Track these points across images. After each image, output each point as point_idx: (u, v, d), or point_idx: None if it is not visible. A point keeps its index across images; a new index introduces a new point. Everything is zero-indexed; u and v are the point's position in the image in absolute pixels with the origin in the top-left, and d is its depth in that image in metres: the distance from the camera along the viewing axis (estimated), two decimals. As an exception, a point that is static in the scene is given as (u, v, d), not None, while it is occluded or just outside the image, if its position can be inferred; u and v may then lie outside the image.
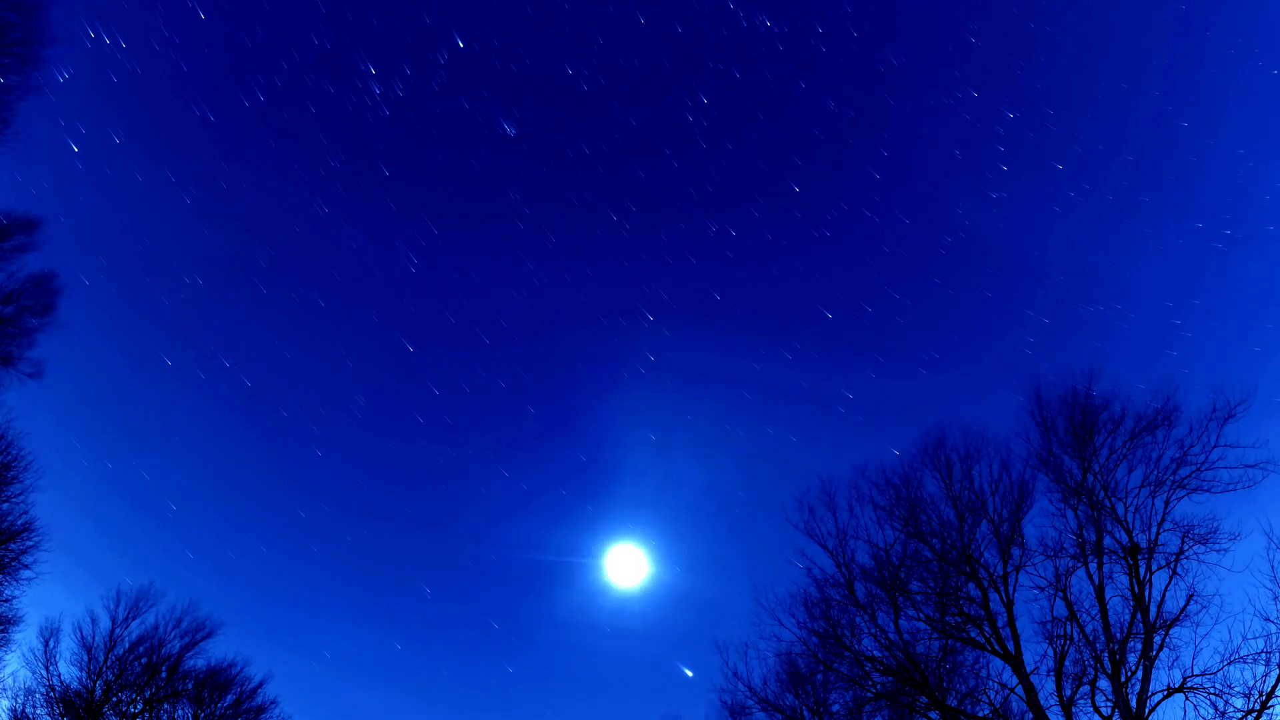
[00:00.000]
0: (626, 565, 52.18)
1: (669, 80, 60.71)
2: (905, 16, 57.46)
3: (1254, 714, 23.59)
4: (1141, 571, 26.65)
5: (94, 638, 38.75)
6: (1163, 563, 26.70)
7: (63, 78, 48.16)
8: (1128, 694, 25.32)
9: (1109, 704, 25.66)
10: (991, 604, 28.04)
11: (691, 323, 64.18)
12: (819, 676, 30.40)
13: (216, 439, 68.47)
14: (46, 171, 52.48)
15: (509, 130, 58.94)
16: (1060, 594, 27.40)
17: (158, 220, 62.06)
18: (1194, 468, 27.15)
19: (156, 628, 39.74)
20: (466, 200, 65.72)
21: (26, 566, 32.41)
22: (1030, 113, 55.42)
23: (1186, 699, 24.76)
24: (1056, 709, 26.41)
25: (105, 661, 38.55)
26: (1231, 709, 23.98)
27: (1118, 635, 26.23)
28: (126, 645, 39.12)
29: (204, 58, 56.79)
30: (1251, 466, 26.47)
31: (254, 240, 65.00)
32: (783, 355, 63.55)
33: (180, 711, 40.06)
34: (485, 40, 58.13)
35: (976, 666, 29.28)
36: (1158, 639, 25.59)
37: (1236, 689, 24.08)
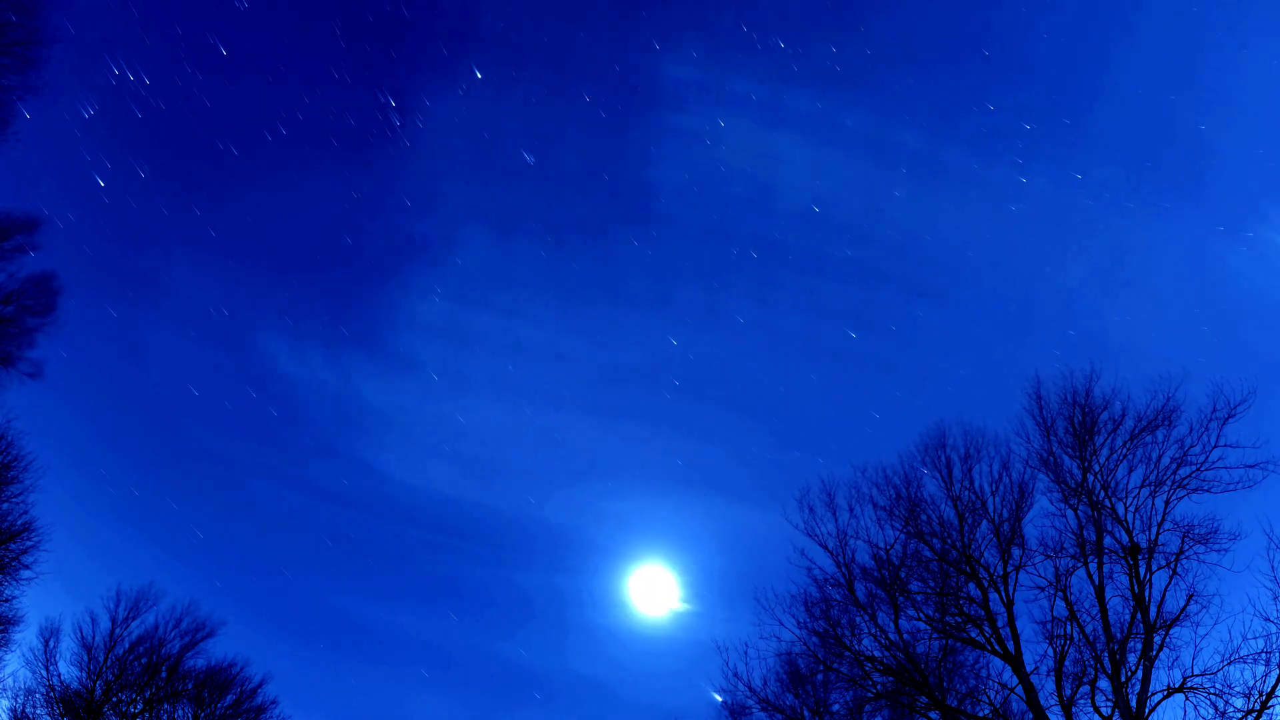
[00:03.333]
0: (656, 590, 51.90)
1: (685, 104, 61.00)
2: (917, 33, 57.65)
3: (1254, 714, 23.59)
4: (1141, 571, 26.64)
5: (94, 638, 38.82)
6: (1163, 563, 26.70)
7: (88, 113, 48.89)
8: (1128, 694, 25.32)
9: (1109, 704, 25.67)
10: (991, 604, 28.04)
11: (715, 347, 64.25)
12: (819, 676, 30.41)
13: (242, 468, 68.59)
14: (73, 204, 53.32)
15: (529, 159, 59.23)
16: (1060, 594, 27.42)
17: (183, 253, 62.70)
18: (1194, 468, 27.15)
19: (156, 628, 39.80)
20: (488, 229, 66.02)
21: (26, 566, 32.50)
22: (1047, 124, 55.52)
23: (1186, 699, 24.76)
24: (1056, 709, 26.43)
25: (105, 661, 38.57)
26: (1231, 709, 23.99)
27: (1118, 635, 26.23)
28: (126, 645, 39.18)
29: (226, 93, 57.46)
30: (1251, 466, 26.47)
31: (279, 272, 65.51)
32: (809, 377, 63.66)
33: (180, 711, 40.08)
34: (503, 70, 58.64)
35: (976, 666, 29.34)
36: (1158, 639, 25.59)
37: (1236, 689, 24.10)
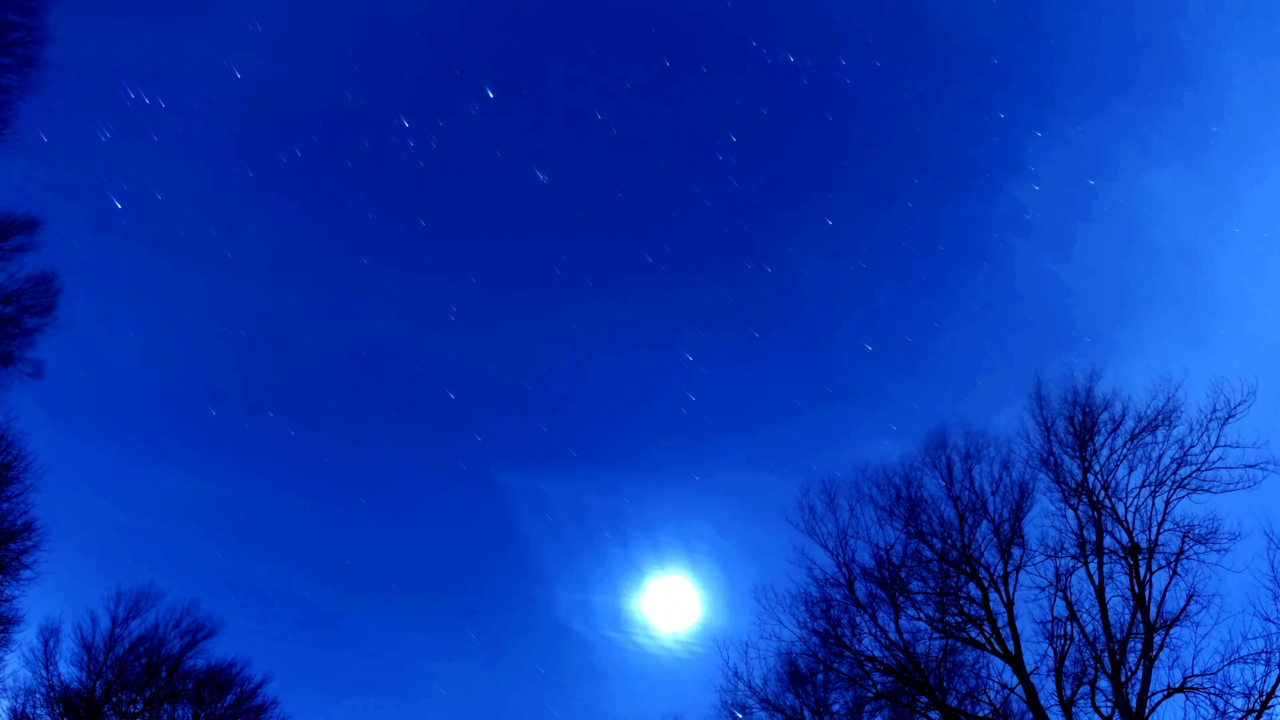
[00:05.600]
0: (674, 605, 51.45)
1: (697, 120, 61.08)
2: (926, 44, 57.65)
3: (1254, 714, 23.61)
4: (1142, 571, 26.67)
5: (94, 638, 38.72)
6: (1163, 563, 26.73)
7: (104, 137, 49.33)
8: (1128, 694, 25.34)
9: (1109, 704, 25.69)
10: (992, 604, 28.08)
11: (732, 362, 64.13)
12: (819, 676, 30.41)
13: (263, 491, 68.52)
14: (92, 228, 53.60)
15: (542, 178, 59.38)
16: (1060, 594, 27.45)
17: (202, 275, 62.99)
18: (1194, 468, 27.20)
19: (157, 628, 39.70)
20: (503, 248, 66.13)
21: (26, 566, 32.38)
22: (1059, 130, 55.53)
23: (1187, 699, 24.80)
24: (1056, 709, 26.45)
25: (105, 661, 38.53)
26: (1231, 709, 24.02)
27: (1118, 635, 26.26)
28: (127, 645, 39.08)
29: (242, 116, 57.78)
30: (1251, 466, 26.50)
31: (297, 293, 65.71)
32: (824, 391, 63.60)
33: (180, 711, 40.04)
34: (515, 90, 58.89)
35: (977, 666, 29.33)
36: (1158, 639, 25.62)
37: (1236, 689, 24.15)
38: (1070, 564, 27.67)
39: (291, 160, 59.37)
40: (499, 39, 59.16)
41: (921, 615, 28.90)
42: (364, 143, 60.51)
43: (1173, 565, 26.48)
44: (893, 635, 28.58)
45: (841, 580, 29.56)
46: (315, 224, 65.27)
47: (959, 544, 28.87)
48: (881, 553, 29.48)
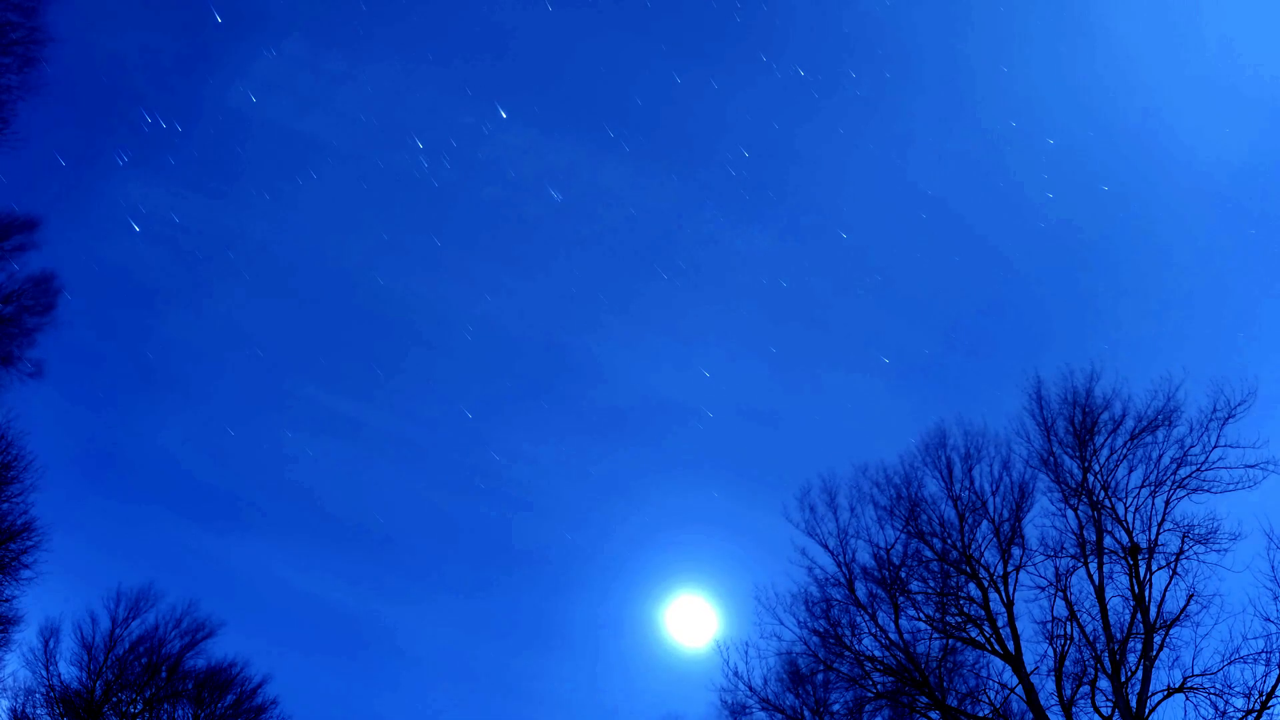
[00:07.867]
0: (693, 622, 51.18)
1: (709, 136, 61.30)
2: (934, 54, 57.73)
3: (1254, 714, 23.62)
4: (1142, 571, 26.68)
5: (94, 638, 38.78)
6: (1163, 563, 26.72)
7: (122, 161, 49.89)
8: (1128, 694, 25.35)
9: (1109, 704, 25.70)
10: (992, 604, 28.08)
11: (748, 377, 64.21)
12: (819, 676, 30.41)
13: (279, 508, 68.69)
14: (109, 251, 54.10)
15: (556, 196, 59.63)
16: (1060, 594, 27.45)
17: (219, 297, 63.54)
18: (1194, 468, 27.17)
19: (157, 628, 39.75)
20: (518, 267, 66.47)
21: (26, 566, 32.37)
22: (1070, 137, 55.54)
23: (1187, 699, 24.79)
24: (1057, 709, 26.45)
25: (105, 661, 38.56)
26: (1232, 709, 24.02)
27: (1118, 635, 26.26)
28: (127, 645, 39.14)
29: (257, 139, 58.26)
30: (1252, 466, 26.48)
31: (313, 313, 66.15)
32: (842, 404, 63.69)
33: (180, 711, 40.07)
34: (528, 109, 59.28)
35: (977, 666, 29.35)
36: (1158, 639, 25.62)
37: (1237, 689, 24.13)
38: (1070, 564, 27.70)
39: (307, 181, 59.99)
40: (509, 59, 59.58)
41: (921, 615, 28.94)
42: (379, 164, 61.02)
43: (1173, 565, 26.49)
44: (893, 635, 28.63)
45: (842, 580, 29.60)
46: (331, 245, 65.96)
47: (959, 544, 28.89)
48: (882, 553, 29.52)
